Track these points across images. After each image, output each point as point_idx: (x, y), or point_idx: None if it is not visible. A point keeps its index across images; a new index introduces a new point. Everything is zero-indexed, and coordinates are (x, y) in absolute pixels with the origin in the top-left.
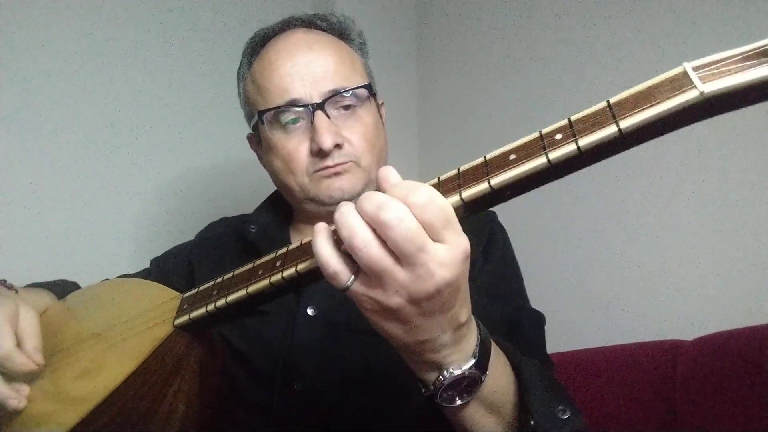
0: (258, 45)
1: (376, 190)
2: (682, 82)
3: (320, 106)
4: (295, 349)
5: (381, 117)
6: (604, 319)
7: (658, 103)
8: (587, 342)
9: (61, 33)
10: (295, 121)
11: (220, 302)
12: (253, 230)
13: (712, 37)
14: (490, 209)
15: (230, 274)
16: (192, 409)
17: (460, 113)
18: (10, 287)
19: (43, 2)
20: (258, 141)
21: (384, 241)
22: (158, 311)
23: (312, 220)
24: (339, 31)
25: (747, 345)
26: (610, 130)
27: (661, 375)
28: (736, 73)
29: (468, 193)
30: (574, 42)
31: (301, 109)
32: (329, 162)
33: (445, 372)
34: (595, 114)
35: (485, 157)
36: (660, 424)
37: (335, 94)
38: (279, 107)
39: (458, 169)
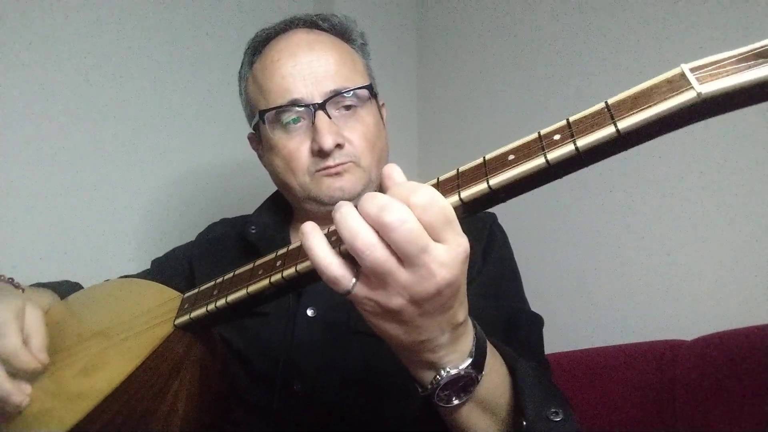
0: (259, 45)
1: (380, 187)
2: (679, 83)
3: (321, 106)
4: (295, 349)
5: (382, 117)
6: (604, 319)
7: (655, 103)
8: (587, 342)
9: (62, 34)
10: (296, 120)
11: (221, 302)
12: (253, 231)
13: (709, 39)
14: (490, 210)
15: (231, 274)
16: (192, 409)
17: (459, 113)
18: (17, 286)
19: (45, 3)
20: (259, 141)
21: (386, 243)
22: (159, 311)
23: (312, 220)
24: (341, 31)
25: (747, 345)
26: (608, 131)
27: (661, 375)
28: (733, 74)
29: (467, 193)
30: (573, 43)
31: (303, 109)
32: (330, 162)
33: (442, 371)
34: (593, 115)
35: (484, 157)
36: (660, 423)
37: (336, 94)
38: (280, 107)
39: (457, 170)
